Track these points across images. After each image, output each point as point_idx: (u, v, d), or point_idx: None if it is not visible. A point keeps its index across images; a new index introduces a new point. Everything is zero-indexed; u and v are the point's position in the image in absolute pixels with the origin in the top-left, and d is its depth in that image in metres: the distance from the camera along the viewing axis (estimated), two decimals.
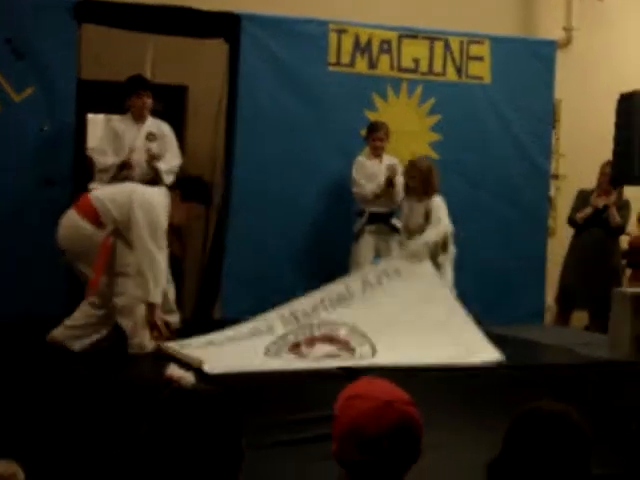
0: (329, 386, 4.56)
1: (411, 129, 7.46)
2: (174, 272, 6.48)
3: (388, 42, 7.52)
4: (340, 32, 7.41)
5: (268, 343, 5.43)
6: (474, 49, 7.69)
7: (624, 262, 8.59)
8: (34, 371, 4.70)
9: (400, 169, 6.87)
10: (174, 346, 5.26)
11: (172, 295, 6.46)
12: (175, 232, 5.68)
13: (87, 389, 4.35)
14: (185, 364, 3.90)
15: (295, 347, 5.44)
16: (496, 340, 5.82)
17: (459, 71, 7.66)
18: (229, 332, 5.62)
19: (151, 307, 5.35)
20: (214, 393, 1.98)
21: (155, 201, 5.39)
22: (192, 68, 7.74)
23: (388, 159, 7.07)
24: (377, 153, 7.09)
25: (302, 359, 5.27)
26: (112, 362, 5.23)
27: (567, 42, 9.05)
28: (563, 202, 8.59)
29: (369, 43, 7.47)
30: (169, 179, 6.60)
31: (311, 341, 5.52)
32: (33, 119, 6.66)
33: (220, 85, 7.48)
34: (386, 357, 5.24)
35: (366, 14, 7.78)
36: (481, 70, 7.71)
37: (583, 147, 8.67)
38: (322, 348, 5.42)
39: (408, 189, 6.67)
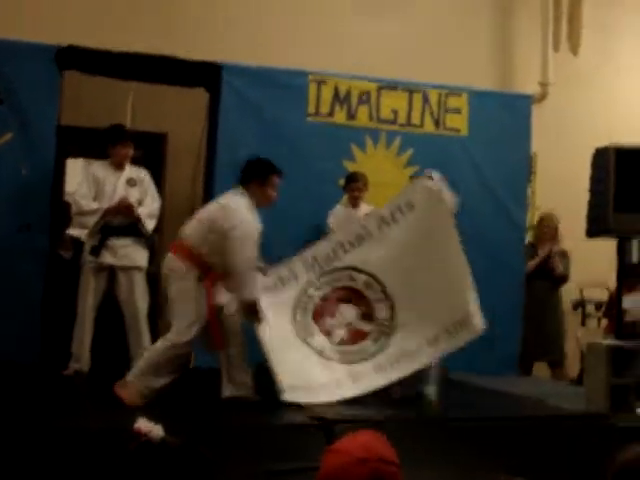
0: (302, 438, 4.58)
1: (389, 179, 7.47)
2: (151, 318, 6.46)
3: (367, 93, 7.59)
4: (319, 83, 7.47)
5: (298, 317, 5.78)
6: (452, 101, 7.77)
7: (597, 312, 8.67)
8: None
9: None
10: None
11: (147, 342, 6.43)
12: None
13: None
14: None
15: (318, 315, 5.79)
16: (471, 391, 5.83)
17: (437, 123, 7.73)
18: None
19: None
20: (183, 446, 1.95)
21: None
22: (172, 115, 7.76)
23: (366, 207, 7.07)
24: (355, 203, 7.13)
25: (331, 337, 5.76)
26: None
27: (543, 96, 9.15)
28: None
29: (348, 94, 7.53)
30: (151, 224, 6.58)
31: (333, 302, 5.84)
32: (12, 163, 6.64)
33: (200, 133, 7.50)
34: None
35: (345, 65, 7.83)
36: (458, 122, 7.78)
37: (559, 199, 8.70)
38: (344, 313, 5.81)
39: None
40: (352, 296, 5.89)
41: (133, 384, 5.28)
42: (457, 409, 5.61)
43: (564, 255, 8.06)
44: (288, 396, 5.36)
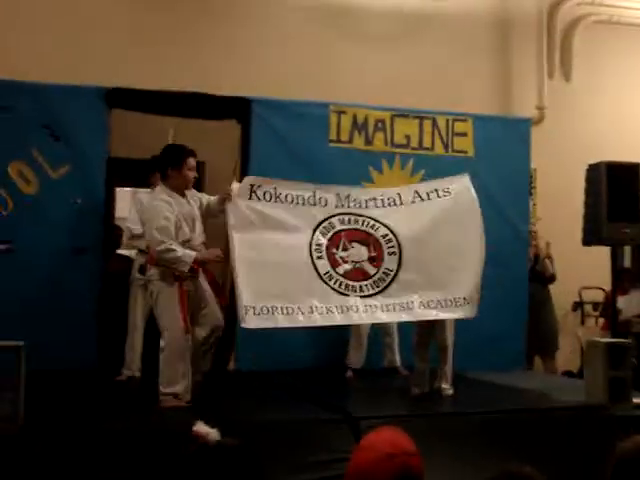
0: (330, 432, 4.58)
1: None
2: None
3: (382, 121, 7.60)
4: (339, 113, 7.49)
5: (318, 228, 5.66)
6: (459, 126, 7.77)
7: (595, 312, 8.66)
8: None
9: None
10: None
11: None
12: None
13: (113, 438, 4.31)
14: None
15: (333, 244, 5.64)
16: (482, 386, 5.84)
17: (446, 146, 7.73)
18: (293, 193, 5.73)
19: None
20: (237, 447, 1.96)
21: None
22: (209, 146, 7.77)
23: None
24: None
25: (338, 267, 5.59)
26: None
27: (540, 119, 9.16)
28: None
29: (365, 122, 7.55)
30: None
31: (350, 238, 5.71)
32: (67, 193, 6.72)
33: (234, 160, 7.54)
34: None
35: (363, 96, 7.86)
36: (465, 145, 7.78)
37: (558, 210, 8.69)
38: (356, 251, 5.69)
39: None
40: (369, 240, 5.76)
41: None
42: (471, 404, 5.62)
43: (550, 257, 8.09)
44: (247, 323, 5.28)
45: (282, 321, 5.41)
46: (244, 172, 7.32)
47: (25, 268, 6.53)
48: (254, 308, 5.30)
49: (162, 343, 5.24)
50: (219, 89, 7.17)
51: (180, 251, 5.21)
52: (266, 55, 8.34)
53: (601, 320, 8.90)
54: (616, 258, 7.02)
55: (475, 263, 5.81)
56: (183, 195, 5.46)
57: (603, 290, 8.58)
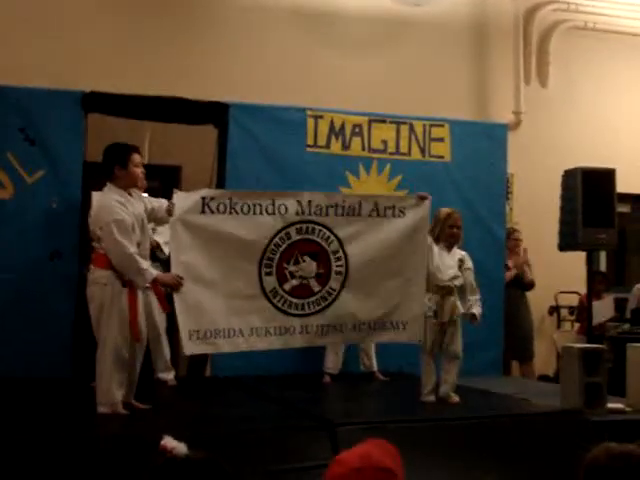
0: (307, 440, 4.57)
1: None
2: (170, 332, 6.44)
3: (359, 126, 7.60)
4: (317, 117, 7.49)
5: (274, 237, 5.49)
6: (435, 131, 7.79)
7: (571, 316, 8.72)
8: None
9: None
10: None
11: (168, 354, 6.42)
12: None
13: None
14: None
15: (285, 256, 5.49)
16: (461, 392, 5.86)
17: (423, 151, 7.75)
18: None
19: None
20: (206, 461, 1.95)
21: None
22: (185, 150, 7.79)
23: None
24: None
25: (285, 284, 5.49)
26: None
27: (517, 124, 9.20)
28: None
29: (342, 127, 7.55)
30: (167, 249, 6.56)
31: (302, 251, 5.57)
32: (43, 198, 6.67)
33: (210, 165, 7.52)
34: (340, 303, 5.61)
35: (340, 102, 7.86)
36: (442, 150, 7.80)
37: (534, 215, 8.73)
38: (306, 266, 5.57)
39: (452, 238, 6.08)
40: (320, 255, 5.64)
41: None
42: (448, 409, 5.63)
43: (528, 264, 8.13)
44: (189, 349, 5.22)
45: (223, 346, 5.37)
46: (220, 177, 7.31)
47: (0, 274, 6.47)
48: (198, 332, 5.22)
49: (99, 352, 5.10)
50: (196, 94, 7.14)
51: (144, 264, 5.09)
52: (243, 60, 8.31)
53: (577, 324, 8.95)
54: (591, 263, 7.08)
55: (419, 289, 5.78)
56: (130, 195, 5.29)
57: (578, 294, 8.63)
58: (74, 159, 6.78)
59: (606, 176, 6.75)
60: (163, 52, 8.05)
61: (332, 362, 6.92)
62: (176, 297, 5.20)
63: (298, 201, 5.61)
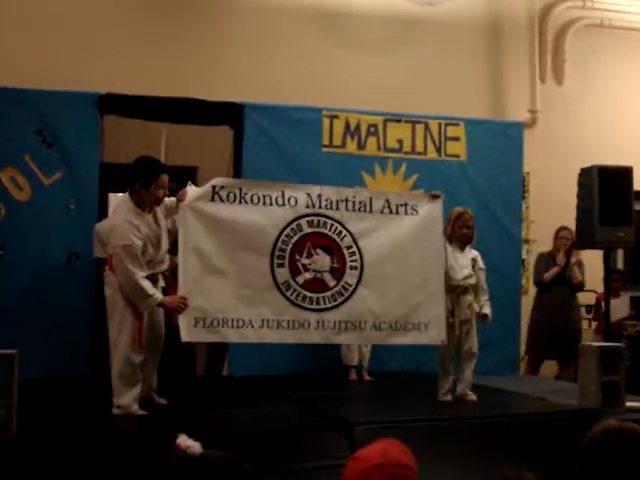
0: (325, 438, 4.56)
1: None
2: None
3: (375, 125, 7.60)
4: (332, 117, 7.48)
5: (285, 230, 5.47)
6: (451, 130, 7.77)
7: (588, 315, 8.65)
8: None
9: None
10: None
11: None
12: None
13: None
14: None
15: (297, 248, 5.46)
16: (478, 390, 5.84)
17: (438, 150, 7.73)
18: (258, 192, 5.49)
19: None
20: (222, 459, 1.94)
21: None
22: (201, 151, 7.80)
23: None
24: None
25: (298, 276, 5.43)
26: None
27: (532, 122, 9.16)
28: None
29: (358, 127, 7.54)
30: None
31: (315, 244, 5.53)
32: (60, 200, 6.70)
33: (226, 165, 7.53)
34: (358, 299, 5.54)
35: (355, 101, 7.86)
36: (458, 149, 7.78)
37: (550, 214, 8.68)
38: (320, 259, 5.51)
39: (464, 238, 6.04)
40: (333, 249, 5.60)
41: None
42: (465, 408, 5.62)
43: (580, 264, 8.01)
44: (190, 336, 5.16)
45: (231, 335, 5.33)
46: (236, 177, 7.31)
47: (18, 275, 6.51)
48: (204, 320, 5.18)
49: (112, 353, 5.14)
50: (212, 95, 7.15)
51: (150, 290, 5.02)
52: (259, 61, 8.33)
53: (594, 323, 8.89)
54: (609, 261, 7.02)
55: (438, 288, 5.74)
56: (149, 211, 5.20)
57: (595, 292, 8.57)
58: (91, 161, 6.80)
59: (623, 174, 6.68)
60: (179, 54, 8.07)
61: (350, 353, 6.82)
62: (183, 283, 5.15)
63: (308, 194, 5.60)
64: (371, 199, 5.78)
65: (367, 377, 6.96)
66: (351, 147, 7.52)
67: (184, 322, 5.12)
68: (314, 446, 4.51)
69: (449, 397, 5.82)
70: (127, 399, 5.04)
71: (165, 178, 5.18)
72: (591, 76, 9.50)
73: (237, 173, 7.31)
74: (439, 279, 5.76)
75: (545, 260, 8.01)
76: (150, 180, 5.10)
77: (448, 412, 5.47)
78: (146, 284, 5.02)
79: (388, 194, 6.03)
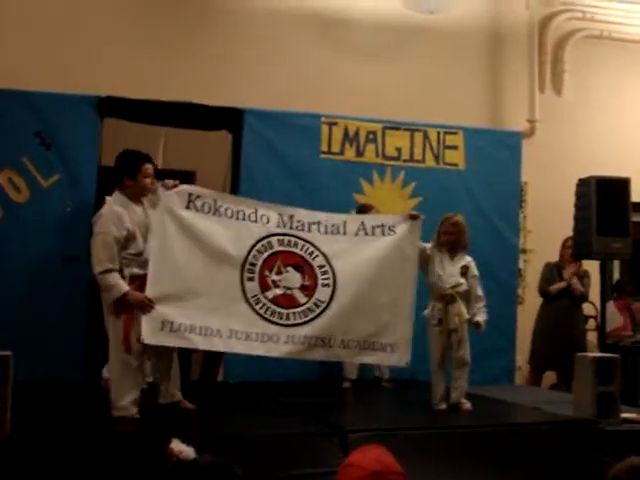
0: (318, 446, 4.54)
1: (395, 210, 7.41)
2: None
3: (374, 133, 7.60)
4: (331, 124, 7.49)
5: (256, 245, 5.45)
6: (449, 139, 7.78)
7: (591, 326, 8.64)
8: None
9: None
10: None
11: None
12: None
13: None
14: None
15: (267, 265, 5.43)
16: (473, 400, 5.83)
17: (437, 158, 7.74)
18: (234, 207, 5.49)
19: None
20: (214, 464, 1.94)
21: None
22: (200, 156, 7.79)
23: None
24: None
25: (267, 291, 5.40)
26: None
27: (531, 132, 9.17)
28: (531, 273, 8.62)
29: (357, 134, 7.55)
30: None
31: (285, 262, 5.50)
32: (58, 202, 6.69)
33: (224, 170, 7.53)
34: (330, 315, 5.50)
35: (354, 108, 7.86)
36: (456, 157, 7.79)
37: (548, 223, 8.69)
38: (290, 277, 5.49)
39: (446, 244, 5.95)
40: (305, 267, 5.57)
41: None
42: (459, 417, 5.60)
43: (585, 275, 7.99)
44: (154, 339, 5.08)
45: (199, 342, 5.29)
46: (235, 182, 7.32)
47: (14, 277, 6.49)
48: (172, 324, 5.14)
49: (109, 356, 5.15)
50: (211, 99, 7.15)
51: (112, 281, 5.01)
52: (258, 66, 8.33)
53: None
54: (605, 272, 7.03)
55: (406, 310, 5.71)
56: (140, 202, 5.27)
57: (592, 304, 8.56)
58: (89, 163, 6.80)
59: (621, 185, 6.70)
60: (179, 58, 8.07)
61: (350, 366, 6.86)
62: (150, 285, 5.10)
63: (280, 214, 5.60)
64: (345, 222, 5.78)
65: (387, 385, 7.00)
66: (350, 154, 7.52)
67: (149, 324, 5.06)
68: (308, 453, 4.50)
69: (444, 405, 5.80)
70: (124, 402, 5.02)
71: (150, 166, 5.28)
72: (590, 87, 9.52)
73: (235, 178, 7.31)
74: (406, 301, 5.71)
75: (551, 270, 8.02)
76: (136, 171, 5.20)
77: (442, 420, 5.46)
78: (113, 275, 5.01)
79: (364, 217, 6.05)
